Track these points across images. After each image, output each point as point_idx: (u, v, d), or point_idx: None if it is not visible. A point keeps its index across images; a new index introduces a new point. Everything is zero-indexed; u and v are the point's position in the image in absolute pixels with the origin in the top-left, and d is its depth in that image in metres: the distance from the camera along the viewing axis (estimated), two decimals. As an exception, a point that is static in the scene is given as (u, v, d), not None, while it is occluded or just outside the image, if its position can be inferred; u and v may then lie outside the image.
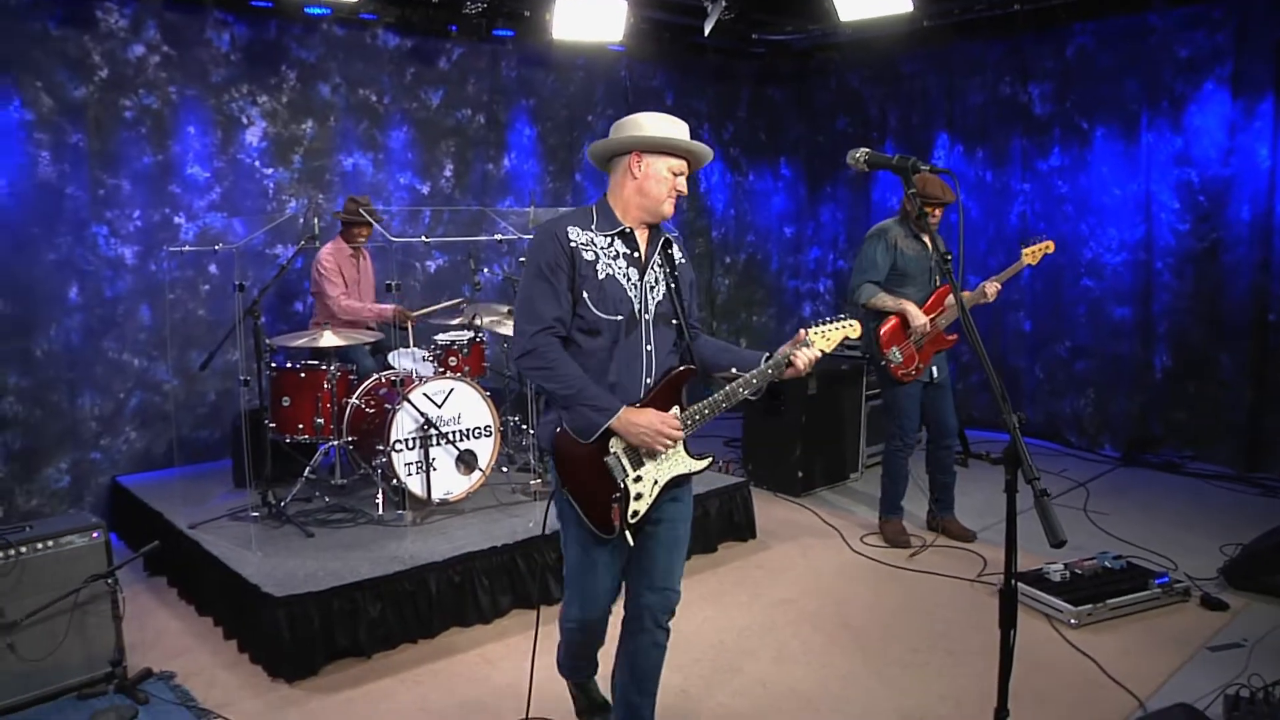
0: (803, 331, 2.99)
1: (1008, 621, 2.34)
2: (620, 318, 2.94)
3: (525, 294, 2.93)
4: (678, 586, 3.10)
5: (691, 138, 2.98)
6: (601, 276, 2.92)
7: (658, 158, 2.95)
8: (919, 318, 5.29)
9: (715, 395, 2.96)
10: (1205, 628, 4.40)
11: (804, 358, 2.94)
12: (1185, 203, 7.07)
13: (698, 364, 3.09)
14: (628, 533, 2.94)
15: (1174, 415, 7.31)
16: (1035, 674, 3.93)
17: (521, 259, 6.17)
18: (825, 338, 2.99)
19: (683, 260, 3.15)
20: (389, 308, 6.03)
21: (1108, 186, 7.45)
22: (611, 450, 2.91)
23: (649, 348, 2.99)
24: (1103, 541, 5.49)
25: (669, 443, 2.90)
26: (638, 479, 2.94)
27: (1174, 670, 3.99)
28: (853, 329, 3.03)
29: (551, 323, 2.88)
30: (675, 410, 2.96)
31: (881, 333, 5.38)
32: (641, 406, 2.91)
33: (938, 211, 5.30)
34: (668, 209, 2.99)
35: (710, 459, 3.14)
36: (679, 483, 3.06)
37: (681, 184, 2.99)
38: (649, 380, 2.98)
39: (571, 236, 2.92)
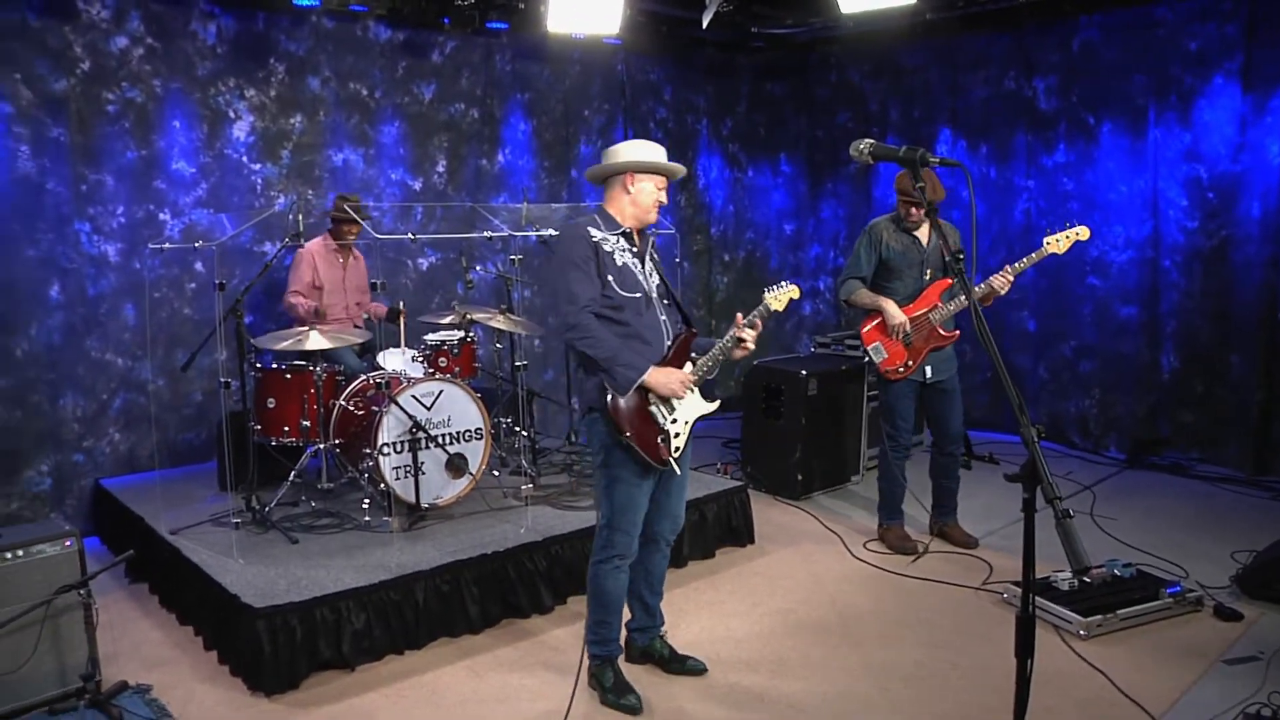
0: (740, 317, 3.70)
1: (1025, 650, 2.16)
2: (639, 295, 3.68)
3: (563, 281, 3.60)
4: (683, 513, 4.02)
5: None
6: (620, 263, 3.67)
7: (646, 177, 3.71)
8: (895, 317, 5.14)
9: (704, 358, 3.74)
10: (1220, 639, 4.24)
11: (749, 339, 3.70)
12: (1194, 200, 6.90)
13: None
14: (673, 462, 3.72)
15: (1181, 416, 7.14)
16: (1044, 689, 3.75)
17: (513, 257, 6.17)
18: (777, 299, 3.77)
19: (656, 255, 3.94)
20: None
21: (1114, 183, 7.28)
22: (652, 401, 3.64)
23: (663, 318, 3.76)
24: (1111, 548, 5.34)
25: (686, 391, 3.68)
26: (674, 420, 3.72)
27: (1189, 685, 3.83)
28: (795, 291, 3.78)
29: (588, 302, 3.57)
30: (689, 365, 3.75)
31: (863, 330, 5.30)
32: (663, 364, 3.66)
33: (916, 211, 5.11)
34: (654, 216, 3.78)
35: (719, 400, 3.90)
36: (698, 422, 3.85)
37: (664, 196, 3.77)
38: (668, 343, 3.75)
39: (593, 234, 3.66)
